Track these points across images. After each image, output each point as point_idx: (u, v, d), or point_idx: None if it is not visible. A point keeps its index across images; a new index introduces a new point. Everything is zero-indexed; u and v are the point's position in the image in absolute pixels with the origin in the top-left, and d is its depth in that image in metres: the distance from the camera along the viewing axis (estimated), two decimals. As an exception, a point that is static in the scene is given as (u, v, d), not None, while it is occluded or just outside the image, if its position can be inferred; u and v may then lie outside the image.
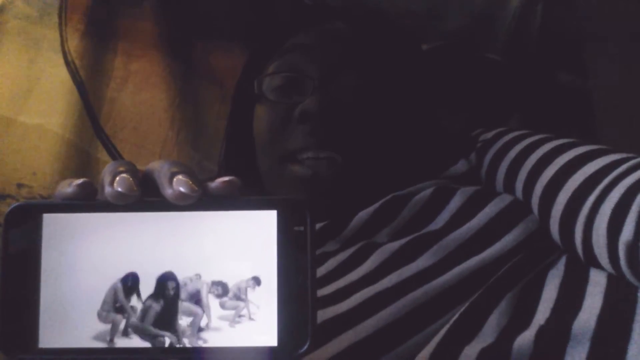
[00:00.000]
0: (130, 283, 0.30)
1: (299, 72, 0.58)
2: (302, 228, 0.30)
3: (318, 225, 0.52)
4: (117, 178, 0.29)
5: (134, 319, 0.30)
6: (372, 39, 0.59)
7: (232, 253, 0.30)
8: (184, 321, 0.30)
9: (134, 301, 0.30)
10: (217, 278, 0.30)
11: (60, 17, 0.77)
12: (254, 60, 0.65)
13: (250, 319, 0.30)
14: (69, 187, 0.30)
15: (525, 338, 0.38)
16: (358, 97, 0.56)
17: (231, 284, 0.30)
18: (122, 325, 0.30)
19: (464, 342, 0.40)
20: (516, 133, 0.57)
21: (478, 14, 0.82)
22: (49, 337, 0.30)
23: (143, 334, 0.30)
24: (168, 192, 0.29)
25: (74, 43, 0.77)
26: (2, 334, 0.29)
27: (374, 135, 0.56)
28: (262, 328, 0.30)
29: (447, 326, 0.41)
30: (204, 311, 0.30)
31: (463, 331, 0.41)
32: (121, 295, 0.30)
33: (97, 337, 0.30)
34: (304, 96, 0.56)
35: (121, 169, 0.30)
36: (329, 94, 0.55)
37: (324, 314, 0.42)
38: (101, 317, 0.30)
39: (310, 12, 0.69)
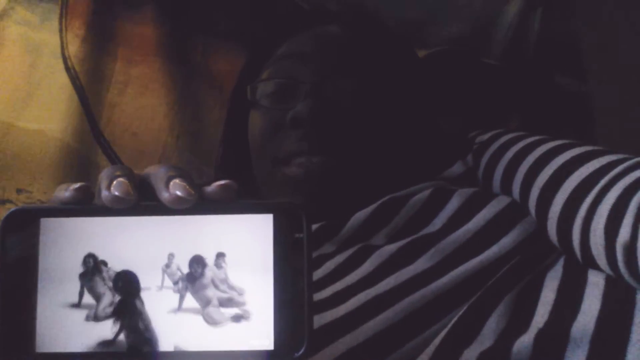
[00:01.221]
0: (123, 281, 0.30)
1: (292, 78, 0.58)
2: (299, 232, 0.30)
3: (314, 226, 0.52)
4: (114, 182, 0.29)
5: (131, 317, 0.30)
6: (366, 42, 0.59)
7: (229, 256, 0.30)
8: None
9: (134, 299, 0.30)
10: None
11: (60, 22, 0.78)
12: (249, 66, 0.65)
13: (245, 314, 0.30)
14: (66, 191, 0.30)
15: (524, 341, 0.38)
16: (352, 101, 0.56)
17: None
18: (117, 325, 0.30)
19: (463, 345, 0.40)
20: (513, 134, 0.58)
21: (477, 19, 0.83)
22: (47, 342, 0.30)
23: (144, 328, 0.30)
24: (165, 195, 0.29)
25: (74, 48, 0.78)
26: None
27: (368, 139, 0.56)
28: (259, 331, 0.30)
29: (445, 329, 0.41)
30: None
31: (462, 334, 0.40)
32: (115, 294, 0.30)
33: (98, 339, 0.30)
34: (296, 101, 0.56)
35: (118, 173, 0.30)
36: (321, 99, 0.55)
37: (321, 318, 0.42)
38: (99, 316, 0.30)
39: (304, 17, 0.69)
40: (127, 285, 0.30)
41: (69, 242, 0.30)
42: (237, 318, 0.30)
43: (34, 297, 0.30)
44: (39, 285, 0.30)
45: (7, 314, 0.29)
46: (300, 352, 0.29)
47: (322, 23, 0.61)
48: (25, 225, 0.30)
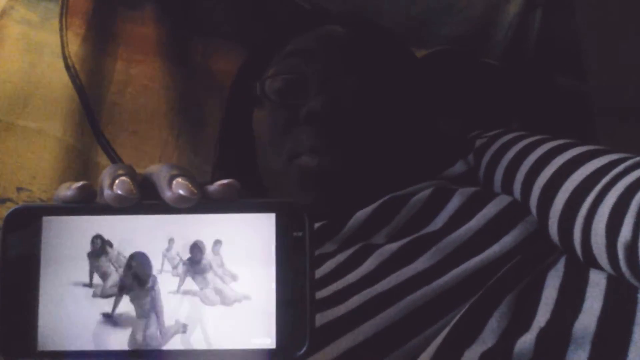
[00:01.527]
0: (137, 261, 0.30)
1: (301, 75, 0.58)
2: (301, 231, 0.30)
3: (316, 225, 0.52)
4: (117, 181, 0.29)
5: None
6: (367, 41, 0.60)
7: (231, 255, 0.30)
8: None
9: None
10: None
11: (61, 21, 0.78)
12: (251, 64, 0.65)
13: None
14: (68, 190, 0.30)
15: (526, 341, 0.38)
16: (358, 98, 0.57)
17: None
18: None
19: (465, 345, 0.40)
20: (514, 134, 0.58)
21: (477, 19, 0.83)
22: (48, 340, 0.30)
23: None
24: (167, 194, 0.29)
25: (74, 47, 0.78)
26: (1, 337, 0.29)
27: (375, 136, 0.57)
28: (261, 330, 0.30)
29: (447, 329, 0.41)
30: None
31: (463, 334, 0.40)
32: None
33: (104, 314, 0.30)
34: (306, 98, 0.56)
35: (120, 172, 0.30)
36: (331, 95, 0.56)
37: (322, 317, 0.42)
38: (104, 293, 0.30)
39: (308, 17, 0.70)
40: (141, 264, 0.30)
41: (70, 240, 0.30)
42: (229, 300, 0.30)
43: (35, 295, 0.30)
44: (41, 284, 0.30)
45: (8, 312, 0.30)
46: (302, 351, 0.29)
47: (325, 23, 0.62)
48: (28, 224, 0.30)
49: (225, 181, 0.30)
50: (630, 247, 0.39)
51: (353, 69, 0.58)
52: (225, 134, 0.68)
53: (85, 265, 0.30)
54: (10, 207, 0.31)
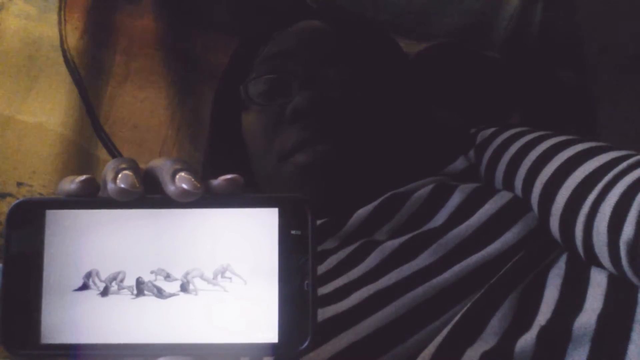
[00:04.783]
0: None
1: (283, 74, 0.58)
2: (304, 226, 0.30)
3: (317, 222, 0.52)
4: (120, 175, 0.29)
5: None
6: (348, 34, 0.60)
7: (234, 250, 0.30)
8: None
9: None
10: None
11: (59, 15, 0.78)
12: (233, 69, 0.65)
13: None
14: (71, 183, 0.30)
15: (527, 340, 0.38)
16: (344, 91, 0.56)
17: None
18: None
19: (466, 344, 0.40)
20: (515, 130, 0.57)
21: (477, 12, 0.82)
22: (51, 333, 0.30)
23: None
24: (170, 189, 0.29)
25: (73, 41, 0.77)
26: (5, 330, 0.29)
27: (367, 129, 0.57)
28: (263, 325, 0.30)
29: (448, 327, 0.41)
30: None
31: (465, 333, 0.40)
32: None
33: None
34: (290, 96, 0.56)
35: (123, 165, 0.30)
36: (315, 90, 0.55)
37: (323, 313, 0.42)
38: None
39: (286, 14, 0.69)
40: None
41: (74, 234, 0.30)
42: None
43: (39, 288, 0.30)
44: (44, 277, 0.30)
45: (12, 305, 0.30)
46: (305, 345, 0.29)
47: (303, 19, 0.62)
48: (31, 217, 0.30)
49: (229, 176, 0.30)
50: (633, 246, 0.38)
51: (335, 61, 0.57)
52: (214, 138, 0.68)
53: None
54: (11, 202, 0.31)
